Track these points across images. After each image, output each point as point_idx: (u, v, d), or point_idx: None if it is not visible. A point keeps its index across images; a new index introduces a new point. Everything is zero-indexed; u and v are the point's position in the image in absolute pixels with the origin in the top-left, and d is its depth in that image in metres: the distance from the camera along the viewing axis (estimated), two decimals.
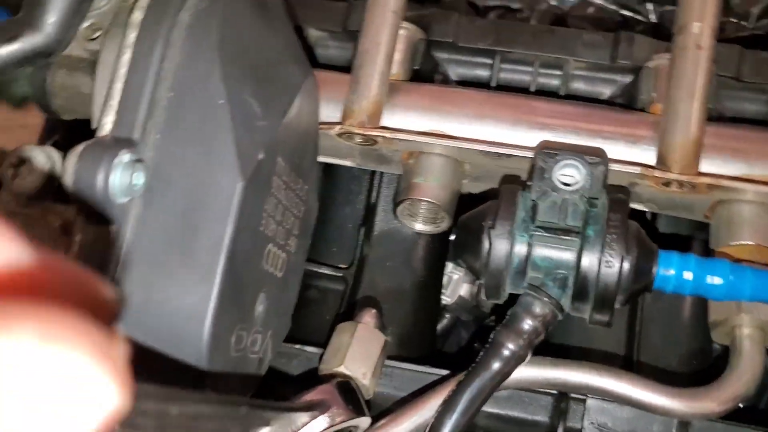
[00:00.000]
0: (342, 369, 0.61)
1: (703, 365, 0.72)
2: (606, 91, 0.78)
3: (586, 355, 0.71)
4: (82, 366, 0.19)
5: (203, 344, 0.47)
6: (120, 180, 0.46)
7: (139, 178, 0.47)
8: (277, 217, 0.56)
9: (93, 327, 0.20)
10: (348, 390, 0.61)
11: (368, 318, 0.65)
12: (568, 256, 0.57)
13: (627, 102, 0.76)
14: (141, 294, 0.48)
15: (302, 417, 0.57)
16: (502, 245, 0.58)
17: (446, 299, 0.92)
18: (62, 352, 0.19)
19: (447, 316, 0.91)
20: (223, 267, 0.48)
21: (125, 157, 0.46)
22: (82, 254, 0.45)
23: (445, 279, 0.92)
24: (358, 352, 0.62)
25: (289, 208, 0.59)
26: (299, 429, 0.57)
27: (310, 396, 0.58)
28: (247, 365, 0.55)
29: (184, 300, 0.48)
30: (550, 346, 0.72)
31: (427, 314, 0.78)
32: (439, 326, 0.89)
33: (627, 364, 0.71)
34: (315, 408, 0.57)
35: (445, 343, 0.89)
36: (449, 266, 0.92)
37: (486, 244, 0.58)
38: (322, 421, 0.57)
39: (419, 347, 0.76)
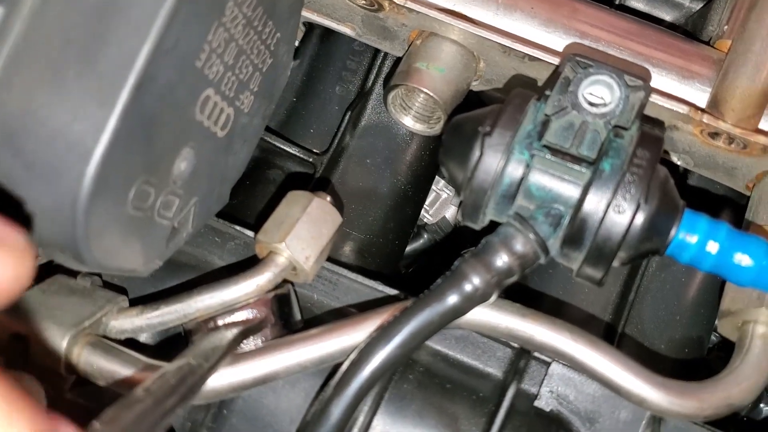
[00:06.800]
0: (281, 246, 0.50)
1: (694, 356, 0.61)
2: (667, 17, 0.66)
3: (562, 311, 0.60)
4: None
5: (84, 185, 0.37)
6: None
7: None
8: (226, 59, 0.45)
9: None
10: (284, 302, 0.52)
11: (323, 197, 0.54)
12: (571, 190, 0.46)
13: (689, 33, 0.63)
14: (20, 104, 0.37)
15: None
16: (494, 158, 0.46)
17: (428, 218, 0.82)
18: None
19: (424, 236, 0.81)
20: (129, 92, 0.37)
21: None
22: None
23: (432, 195, 0.82)
24: (306, 230, 0.51)
25: (247, 53, 0.47)
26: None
27: (245, 314, 0.50)
28: (153, 230, 0.45)
29: (72, 124, 0.37)
30: (521, 289, 0.61)
31: (399, 228, 0.67)
32: (411, 246, 0.79)
33: (609, 333, 0.60)
34: (249, 333, 0.50)
35: (413, 266, 0.79)
36: (440, 183, 0.81)
37: (476, 153, 0.47)
38: (254, 341, 0.51)
39: (380, 262, 0.66)
